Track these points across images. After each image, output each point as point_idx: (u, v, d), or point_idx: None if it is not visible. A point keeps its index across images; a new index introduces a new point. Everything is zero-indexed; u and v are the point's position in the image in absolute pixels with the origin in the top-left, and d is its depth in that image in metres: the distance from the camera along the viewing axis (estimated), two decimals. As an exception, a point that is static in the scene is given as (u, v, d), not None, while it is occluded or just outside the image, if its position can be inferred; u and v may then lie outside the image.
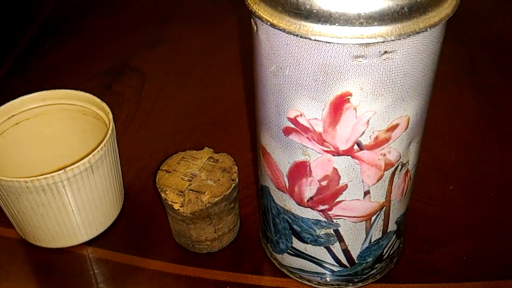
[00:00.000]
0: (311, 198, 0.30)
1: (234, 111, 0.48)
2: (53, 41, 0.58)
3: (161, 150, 0.45)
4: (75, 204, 0.35)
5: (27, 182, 0.32)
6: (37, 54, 0.56)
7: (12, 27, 0.61)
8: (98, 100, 0.38)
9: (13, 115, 0.38)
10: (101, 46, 0.57)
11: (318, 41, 0.23)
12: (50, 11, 0.63)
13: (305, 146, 0.28)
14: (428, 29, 0.23)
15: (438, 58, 0.27)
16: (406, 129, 0.28)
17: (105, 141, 0.35)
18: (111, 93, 0.51)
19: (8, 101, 0.39)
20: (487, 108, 0.48)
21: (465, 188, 0.41)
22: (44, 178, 0.32)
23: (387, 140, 0.27)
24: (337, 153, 0.28)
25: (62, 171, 0.33)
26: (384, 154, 0.28)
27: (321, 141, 0.27)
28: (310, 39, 0.24)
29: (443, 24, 0.25)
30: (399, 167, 0.29)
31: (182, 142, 0.46)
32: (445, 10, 0.24)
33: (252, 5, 0.25)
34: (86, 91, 0.51)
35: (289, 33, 0.24)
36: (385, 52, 0.24)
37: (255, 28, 0.27)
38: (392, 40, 0.23)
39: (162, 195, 0.35)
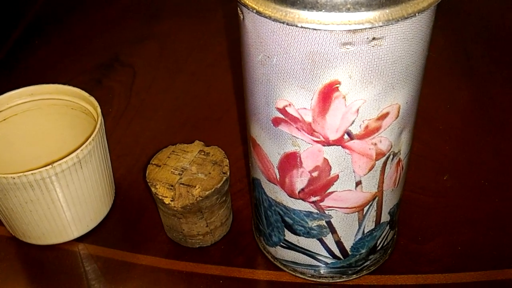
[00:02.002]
0: (302, 189, 0.30)
1: (224, 105, 0.48)
2: (42, 36, 0.57)
3: (152, 145, 0.44)
4: (64, 200, 0.34)
5: (14, 178, 0.32)
6: (26, 50, 0.56)
7: (1, 22, 0.60)
8: (86, 94, 0.37)
9: (0, 111, 0.38)
10: (91, 41, 0.57)
11: (305, 28, 0.23)
12: (40, 6, 0.62)
13: (294, 136, 0.28)
14: (417, 14, 0.23)
15: (428, 44, 0.26)
16: (397, 118, 0.27)
17: (93, 135, 0.34)
18: (102, 88, 0.51)
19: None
20: (480, 98, 0.48)
21: (459, 178, 0.41)
22: (32, 173, 0.32)
23: (377, 129, 0.27)
24: (327, 143, 0.27)
25: (50, 166, 0.32)
26: (375, 144, 0.28)
27: (310, 131, 0.27)
28: (296, 26, 0.23)
29: (433, 9, 0.24)
30: (391, 156, 0.29)
31: (173, 137, 0.45)
32: (434, -5, 0.24)
33: (237, -7, 0.25)
34: (76, 87, 0.51)
35: (275, 20, 0.23)
36: (373, 38, 0.23)
37: (242, 17, 0.26)
38: (380, 26, 0.23)
39: (153, 189, 0.34)
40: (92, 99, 0.37)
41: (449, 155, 0.43)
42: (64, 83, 0.51)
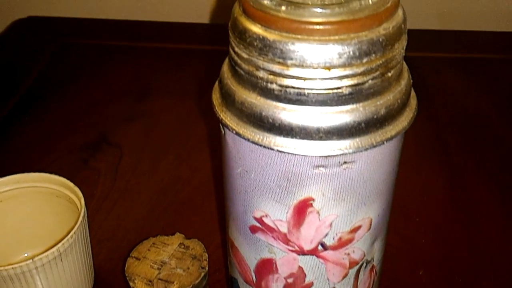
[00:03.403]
0: (278, 293, 0.30)
1: (207, 189, 0.49)
2: (32, 113, 0.59)
3: (134, 230, 0.45)
4: (42, 292, 0.34)
5: (-6, 272, 0.32)
6: (14, 128, 0.57)
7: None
8: (71, 184, 0.38)
9: (-15, 199, 0.38)
10: (80, 119, 0.58)
11: (281, 151, 0.25)
12: (31, 82, 0.64)
13: (271, 244, 0.28)
14: (385, 142, 0.25)
15: (399, 162, 0.28)
16: (369, 230, 0.28)
17: (75, 228, 0.35)
18: (88, 168, 0.52)
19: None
20: (455, 189, 0.49)
21: (434, 273, 0.41)
22: (12, 268, 0.32)
23: (350, 240, 0.28)
24: (302, 252, 0.28)
25: (31, 261, 0.33)
26: (348, 254, 0.29)
27: (286, 240, 0.28)
28: (273, 149, 0.25)
29: (401, 135, 0.26)
30: (364, 264, 0.30)
31: (155, 222, 0.46)
32: (401, 123, 0.25)
33: (219, 113, 0.27)
34: (63, 167, 0.52)
35: (253, 143, 0.25)
36: (345, 162, 0.25)
37: (223, 132, 0.28)
38: (350, 153, 0.24)
39: (131, 283, 0.35)
40: (77, 189, 0.38)
41: (424, 249, 0.44)
42: (51, 162, 0.52)
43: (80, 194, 0.37)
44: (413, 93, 0.27)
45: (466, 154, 0.53)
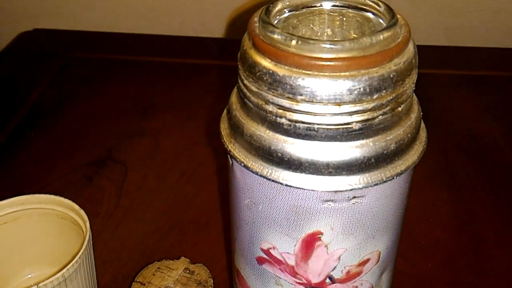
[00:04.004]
0: (284, 324, 0.30)
1: (212, 209, 0.49)
2: (37, 130, 0.59)
3: (139, 251, 0.45)
4: (46, 317, 0.34)
5: (-3, 299, 0.32)
6: (19, 144, 0.57)
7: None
8: (76, 207, 0.38)
9: (-10, 220, 0.38)
10: (85, 136, 0.58)
11: (289, 186, 0.24)
12: (37, 98, 0.64)
13: (278, 276, 0.28)
14: (395, 177, 0.24)
15: (408, 196, 0.28)
16: (377, 262, 0.28)
17: (80, 253, 0.34)
18: (92, 186, 0.51)
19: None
20: (462, 212, 0.49)
21: (441, 298, 0.41)
22: (16, 294, 0.32)
23: (358, 273, 0.28)
24: (309, 285, 0.28)
25: (35, 287, 0.32)
26: (356, 286, 0.28)
27: (293, 273, 0.28)
28: (281, 184, 0.24)
29: (411, 169, 0.26)
30: (372, 295, 0.30)
31: (160, 242, 0.45)
32: (411, 158, 0.25)
33: (227, 144, 0.26)
34: (67, 184, 0.51)
35: (261, 176, 0.25)
36: (354, 197, 0.25)
37: (231, 163, 0.27)
38: (360, 188, 0.24)
39: (136, 309, 0.35)
40: (82, 212, 0.37)
41: (431, 273, 0.43)
42: (56, 180, 0.52)
43: (86, 218, 0.37)
44: (422, 125, 0.27)
45: (472, 177, 0.53)
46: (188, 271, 0.37)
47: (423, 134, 0.26)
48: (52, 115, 0.61)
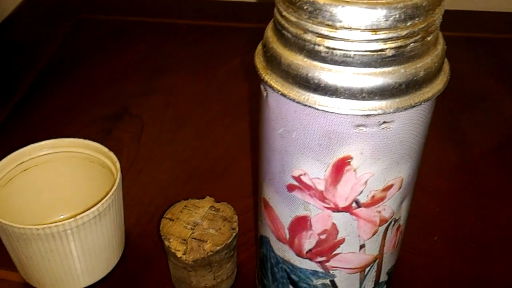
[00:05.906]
0: (310, 250, 0.32)
1: (226, 159, 0.51)
2: (52, 86, 0.60)
3: (160, 195, 0.47)
4: (81, 250, 0.36)
5: (38, 230, 0.34)
6: (37, 99, 0.58)
7: (12, 73, 0.63)
8: (105, 149, 0.40)
9: (22, 162, 0.40)
10: (100, 92, 0.59)
11: (325, 111, 0.26)
12: (50, 56, 0.65)
13: (307, 202, 0.30)
14: (423, 103, 0.26)
15: (429, 125, 0.30)
16: (399, 189, 0.30)
17: (113, 189, 0.36)
18: (111, 138, 0.53)
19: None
20: (466, 163, 0.51)
21: (448, 240, 0.43)
22: (55, 225, 0.34)
23: (382, 198, 0.30)
24: (336, 209, 0.30)
25: (73, 219, 0.34)
26: (380, 211, 0.30)
27: (322, 198, 0.30)
28: (317, 109, 0.26)
29: (435, 98, 0.28)
30: (392, 222, 0.32)
31: (180, 189, 0.47)
32: (437, 86, 0.27)
33: (263, 75, 0.28)
34: (87, 136, 0.53)
35: (298, 103, 0.26)
36: (384, 122, 0.26)
37: (265, 94, 0.29)
38: (391, 113, 0.26)
39: (166, 243, 0.36)
40: (112, 154, 0.39)
41: (438, 217, 0.46)
42: (75, 133, 0.53)
43: (115, 159, 0.39)
44: (445, 59, 0.29)
45: (478, 132, 0.55)
46: (213, 209, 0.39)
47: (446, 66, 0.28)
48: (66, 74, 0.62)
